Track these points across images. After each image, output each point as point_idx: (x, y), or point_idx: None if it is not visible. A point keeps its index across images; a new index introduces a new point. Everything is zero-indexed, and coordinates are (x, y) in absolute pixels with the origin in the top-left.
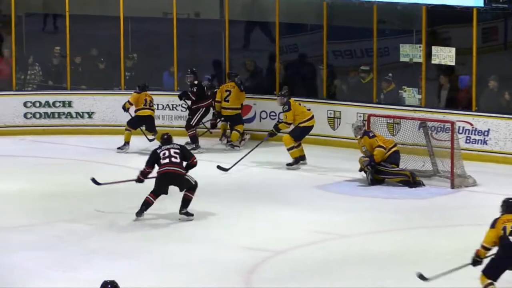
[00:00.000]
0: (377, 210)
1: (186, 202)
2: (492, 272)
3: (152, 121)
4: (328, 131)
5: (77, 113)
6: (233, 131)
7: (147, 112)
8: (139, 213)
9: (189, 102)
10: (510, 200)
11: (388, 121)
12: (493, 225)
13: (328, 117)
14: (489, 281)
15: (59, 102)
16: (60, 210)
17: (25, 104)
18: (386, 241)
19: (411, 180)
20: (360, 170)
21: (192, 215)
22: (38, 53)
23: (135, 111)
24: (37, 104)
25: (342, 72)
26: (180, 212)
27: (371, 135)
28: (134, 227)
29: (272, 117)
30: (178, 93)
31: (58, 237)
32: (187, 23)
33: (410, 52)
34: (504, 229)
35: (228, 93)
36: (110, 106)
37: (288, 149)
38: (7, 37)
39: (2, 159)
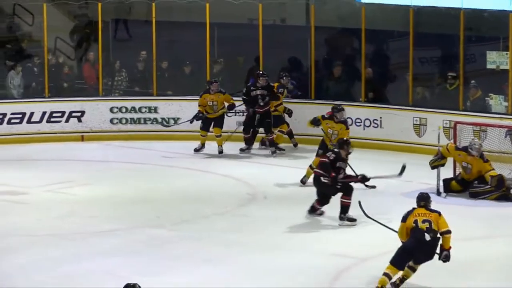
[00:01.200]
0: (463, 217)
1: (343, 208)
2: (399, 261)
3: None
4: (414, 138)
5: (162, 118)
6: (278, 132)
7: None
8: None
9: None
10: (420, 194)
11: (475, 129)
12: (404, 220)
13: (414, 124)
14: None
15: (145, 107)
16: (146, 215)
17: (111, 110)
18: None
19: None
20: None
21: (355, 220)
22: (124, 59)
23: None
24: (123, 110)
25: (428, 79)
26: (340, 218)
27: (485, 159)
28: (220, 233)
29: (357, 123)
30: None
31: (143, 242)
32: (272, 29)
33: (497, 59)
34: (415, 222)
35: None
36: (195, 111)
37: None
38: (93, 43)
39: (89, 164)
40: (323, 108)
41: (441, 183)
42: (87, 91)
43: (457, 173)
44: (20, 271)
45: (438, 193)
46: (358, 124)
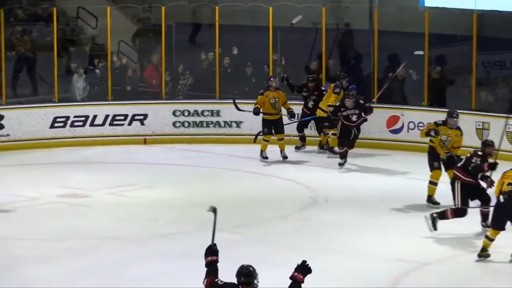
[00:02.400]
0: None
1: (483, 216)
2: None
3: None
4: (477, 143)
5: (225, 122)
6: (332, 136)
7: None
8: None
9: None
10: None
11: None
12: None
13: (476, 128)
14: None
15: (208, 111)
16: (208, 219)
17: (174, 113)
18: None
19: None
20: None
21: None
22: (187, 62)
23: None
24: (186, 113)
25: (491, 83)
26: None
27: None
28: (283, 237)
29: (420, 127)
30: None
31: (204, 245)
32: (335, 33)
33: None
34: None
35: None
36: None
37: None
38: (157, 46)
39: (151, 168)
40: (383, 113)
41: None
42: (150, 94)
43: None
44: (84, 274)
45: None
46: (420, 128)
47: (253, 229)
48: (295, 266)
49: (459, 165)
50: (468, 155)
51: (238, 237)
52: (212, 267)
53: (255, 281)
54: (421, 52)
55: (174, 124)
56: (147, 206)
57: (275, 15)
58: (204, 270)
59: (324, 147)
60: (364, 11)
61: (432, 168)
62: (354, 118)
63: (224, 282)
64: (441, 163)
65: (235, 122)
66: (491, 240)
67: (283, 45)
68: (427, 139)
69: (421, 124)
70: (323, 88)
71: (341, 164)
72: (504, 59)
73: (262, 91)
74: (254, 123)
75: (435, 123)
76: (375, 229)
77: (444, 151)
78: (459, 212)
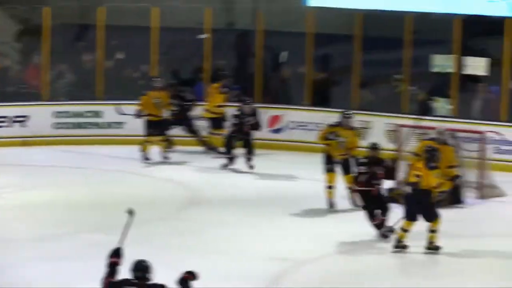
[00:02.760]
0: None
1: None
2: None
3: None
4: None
5: (106, 123)
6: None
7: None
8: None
9: None
10: None
11: (418, 132)
12: None
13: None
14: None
15: (89, 112)
16: (89, 220)
17: (55, 114)
18: (412, 251)
19: None
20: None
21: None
22: (70, 63)
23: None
24: (67, 115)
25: (373, 82)
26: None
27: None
28: (162, 237)
29: (301, 127)
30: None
31: (85, 247)
32: (221, 33)
33: (442, 63)
34: None
35: None
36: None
37: None
38: (39, 47)
39: (32, 169)
40: (265, 112)
41: None
42: (31, 96)
43: None
44: None
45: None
46: (301, 127)
47: (133, 230)
48: (177, 266)
49: (355, 177)
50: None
51: (117, 239)
52: (112, 269)
53: (150, 276)
54: (204, 36)
55: (55, 125)
56: (29, 208)
57: (161, 16)
58: (84, 270)
59: (211, 147)
60: (249, 11)
61: (326, 171)
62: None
63: (121, 279)
64: (336, 166)
65: (116, 123)
66: (405, 231)
67: (169, 46)
68: (310, 138)
69: (302, 124)
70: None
71: (225, 166)
72: (386, 58)
73: (145, 91)
74: (135, 124)
75: (329, 125)
76: (256, 229)
77: (340, 153)
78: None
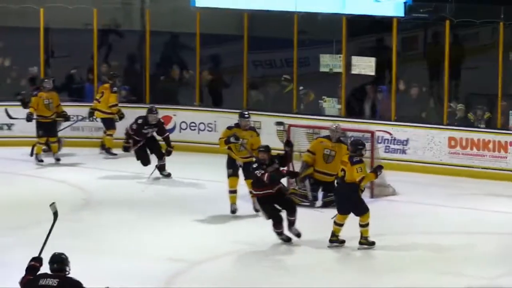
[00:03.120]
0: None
1: (289, 223)
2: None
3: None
4: None
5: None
6: (107, 136)
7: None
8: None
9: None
10: None
11: (308, 131)
12: None
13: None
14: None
15: None
16: None
17: None
18: (305, 252)
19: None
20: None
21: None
22: None
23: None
24: None
25: (262, 82)
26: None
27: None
28: (56, 239)
29: (192, 127)
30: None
31: None
32: (107, 34)
33: (330, 62)
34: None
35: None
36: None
37: None
38: None
39: None
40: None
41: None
42: None
43: None
44: None
45: (314, 200)
46: (192, 128)
47: (27, 231)
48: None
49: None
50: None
51: (12, 240)
52: (31, 269)
53: (67, 268)
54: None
55: None
56: None
57: (46, 17)
58: None
59: (104, 148)
60: (136, 11)
61: (228, 175)
62: (149, 135)
63: (39, 273)
64: (239, 169)
65: (6, 124)
66: (339, 225)
67: (56, 47)
68: (200, 138)
69: (193, 124)
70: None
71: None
72: (274, 58)
73: (36, 92)
74: (25, 126)
75: (228, 127)
76: (153, 230)
77: (241, 155)
78: (276, 224)
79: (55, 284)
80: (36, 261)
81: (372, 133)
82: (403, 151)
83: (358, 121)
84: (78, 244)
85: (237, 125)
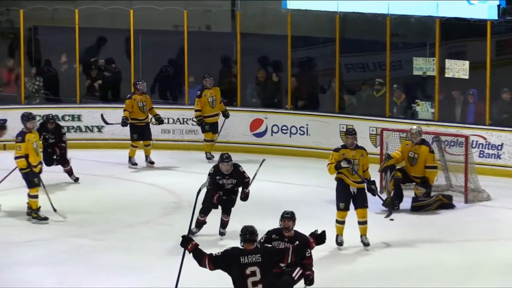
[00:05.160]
0: (387, 225)
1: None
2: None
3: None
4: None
5: (86, 127)
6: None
7: None
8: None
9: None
10: None
11: (401, 135)
12: None
13: (340, 131)
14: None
15: (68, 115)
16: (69, 225)
17: None
18: (397, 255)
19: (448, 202)
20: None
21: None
22: (47, 65)
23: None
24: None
25: (354, 86)
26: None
27: (432, 148)
28: (145, 242)
29: (283, 131)
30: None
31: (66, 252)
32: (198, 36)
33: (424, 66)
34: None
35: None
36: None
37: None
38: (15, 50)
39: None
40: (247, 116)
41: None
42: (7, 99)
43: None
44: None
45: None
46: (284, 131)
47: (116, 235)
48: (158, 271)
49: None
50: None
51: (100, 244)
52: (197, 251)
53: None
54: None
55: None
56: (6, 212)
57: (136, 18)
58: (67, 275)
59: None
60: (226, 13)
61: (338, 208)
62: (228, 187)
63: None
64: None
65: (97, 127)
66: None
67: (144, 48)
68: (292, 142)
69: (284, 128)
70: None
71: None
72: (367, 61)
73: (129, 95)
74: (115, 128)
75: (335, 150)
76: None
77: (354, 179)
78: None
79: (259, 260)
80: (189, 242)
81: (466, 137)
82: (498, 156)
83: (452, 125)
84: (168, 247)
85: (344, 146)
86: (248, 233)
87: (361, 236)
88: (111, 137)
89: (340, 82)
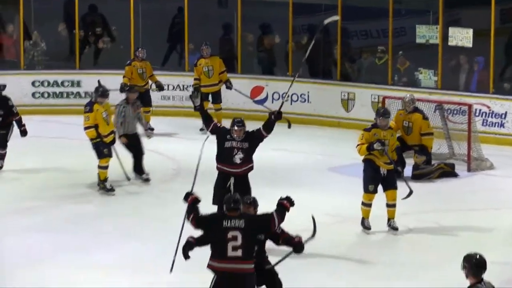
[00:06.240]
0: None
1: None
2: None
3: None
4: (342, 113)
5: (85, 92)
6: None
7: None
8: None
9: None
10: None
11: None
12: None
13: (341, 99)
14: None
15: (68, 81)
16: (71, 191)
17: (33, 84)
18: (398, 224)
19: (451, 170)
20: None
21: None
22: (44, 31)
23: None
24: (46, 84)
25: (356, 53)
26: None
27: (426, 115)
28: (148, 209)
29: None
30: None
31: (68, 218)
32: (198, 2)
33: (427, 33)
34: None
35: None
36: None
37: None
38: (14, 15)
39: (11, 139)
40: (247, 83)
41: None
42: (7, 64)
43: None
44: None
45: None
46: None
47: (118, 201)
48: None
49: None
50: None
51: (104, 210)
52: (192, 206)
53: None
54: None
55: (33, 94)
56: (6, 179)
57: None
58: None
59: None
60: None
61: (367, 191)
62: (237, 160)
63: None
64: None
65: None
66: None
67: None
68: (293, 109)
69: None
70: None
71: (202, 129)
72: (370, 28)
73: (129, 61)
74: (116, 93)
75: (366, 130)
76: None
77: (384, 161)
78: None
79: (242, 226)
80: (191, 195)
81: (470, 106)
82: (501, 125)
83: (455, 93)
84: (169, 213)
85: (374, 126)
86: (232, 201)
87: (389, 220)
88: (111, 103)
89: (342, 49)
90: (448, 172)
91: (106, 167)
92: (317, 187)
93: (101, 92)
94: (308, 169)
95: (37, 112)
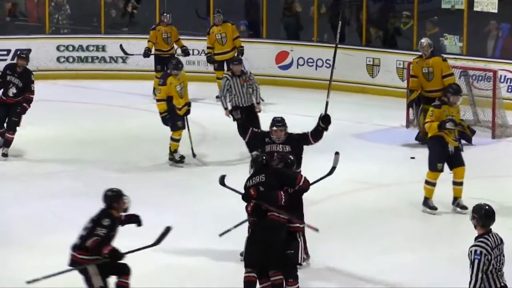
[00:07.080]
0: (413, 160)
1: None
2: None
3: None
4: (367, 79)
5: (110, 57)
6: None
7: None
8: None
9: None
10: None
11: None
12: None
13: (367, 64)
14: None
15: (93, 46)
16: (95, 157)
17: (58, 48)
18: (421, 191)
19: (469, 135)
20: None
21: None
22: None
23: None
24: (70, 48)
25: (382, 19)
26: None
27: (444, 57)
28: (170, 175)
29: (309, 63)
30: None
31: (92, 184)
32: None
33: None
34: None
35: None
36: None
37: None
38: None
39: (35, 104)
40: (273, 48)
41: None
42: (32, 28)
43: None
44: None
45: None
46: (310, 64)
47: (141, 167)
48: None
49: None
50: None
51: (127, 176)
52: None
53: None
54: None
55: (58, 59)
56: (32, 144)
57: None
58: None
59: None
60: None
61: (435, 169)
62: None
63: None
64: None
65: (121, 57)
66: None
67: None
68: (318, 75)
69: (310, 60)
70: None
71: (218, 97)
72: None
73: (154, 26)
74: (140, 58)
75: (435, 106)
76: None
77: (452, 138)
78: None
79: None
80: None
81: (495, 72)
82: None
83: (480, 59)
84: (194, 182)
85: (443, 102)
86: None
87: (456, 199)
88: (136, 68)
89: (367, 14)
90: (465, 134)
91: (178, 140)
92: (342, 153)
93: (174, 64)
94: (332, 135)
95: (62, 77)
